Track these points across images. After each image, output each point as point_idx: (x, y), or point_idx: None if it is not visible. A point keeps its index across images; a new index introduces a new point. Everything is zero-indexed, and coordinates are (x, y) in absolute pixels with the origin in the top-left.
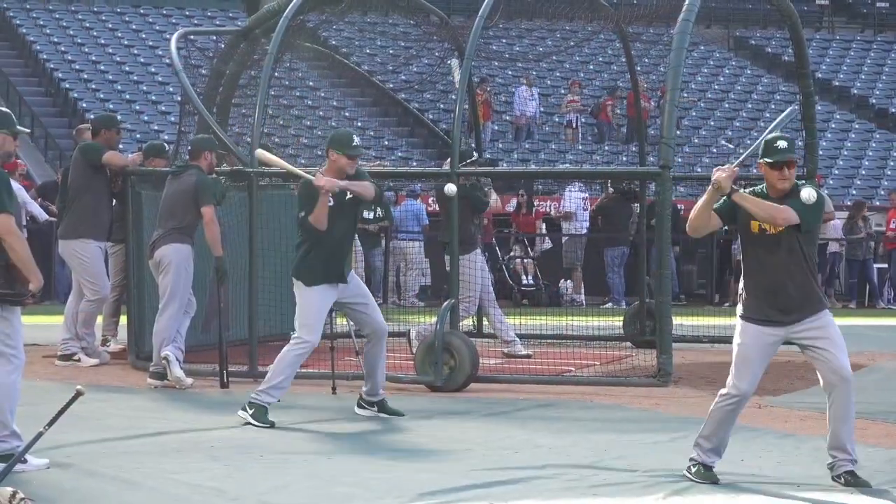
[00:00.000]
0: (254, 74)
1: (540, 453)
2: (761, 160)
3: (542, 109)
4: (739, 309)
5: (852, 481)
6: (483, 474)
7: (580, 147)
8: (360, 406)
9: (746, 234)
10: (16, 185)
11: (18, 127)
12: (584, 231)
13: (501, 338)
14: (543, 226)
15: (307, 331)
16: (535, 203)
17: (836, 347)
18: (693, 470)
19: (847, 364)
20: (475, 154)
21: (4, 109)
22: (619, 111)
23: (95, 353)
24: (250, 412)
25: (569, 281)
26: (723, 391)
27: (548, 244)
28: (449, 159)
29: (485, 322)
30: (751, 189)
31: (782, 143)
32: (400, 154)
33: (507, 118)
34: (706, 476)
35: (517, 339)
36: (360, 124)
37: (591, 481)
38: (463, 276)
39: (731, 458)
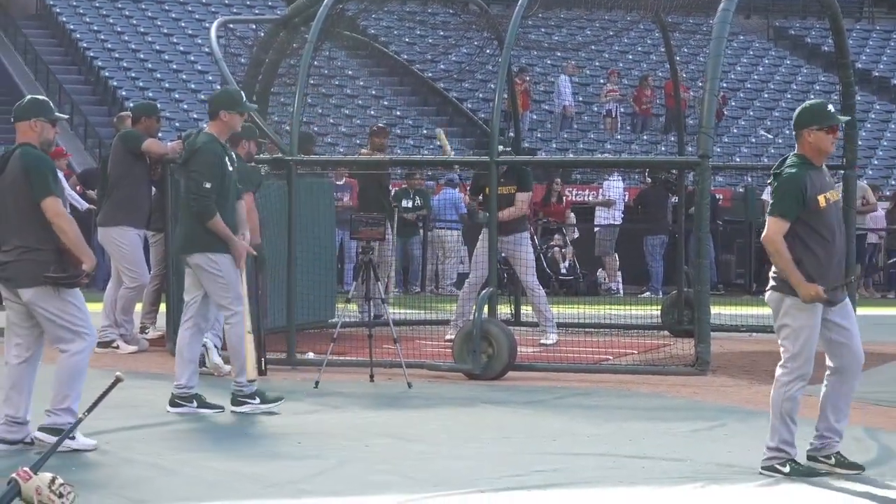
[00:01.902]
0: (293, 63)
1: (578, 441)
2: (810, 127)
3: (580, 98)
4: (789, 288)
5: (845, 462)
6: (521, 462)
7: (619, 137)
8: (173, 404)
9: (815, 210)
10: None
11: (57, 114)
12: (619, 221)
13: (541, 322)
14: (573, 215)
15: (238, 301)
16: (565, 192)
17: (857, 330)
18: (787, 470)
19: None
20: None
21: (42, 97)
22: (658, 101)
23: (134, 340)
24: (256, 401)
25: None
26: (792, 378)
27: (576, 233)
28: None
29: (523, 310)
30: (786, 160)
31: (831, 107)
32: (439, 143)
33: (546, 107)
34: (809, 470)
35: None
36: (398, 113)
37: (629, 469)
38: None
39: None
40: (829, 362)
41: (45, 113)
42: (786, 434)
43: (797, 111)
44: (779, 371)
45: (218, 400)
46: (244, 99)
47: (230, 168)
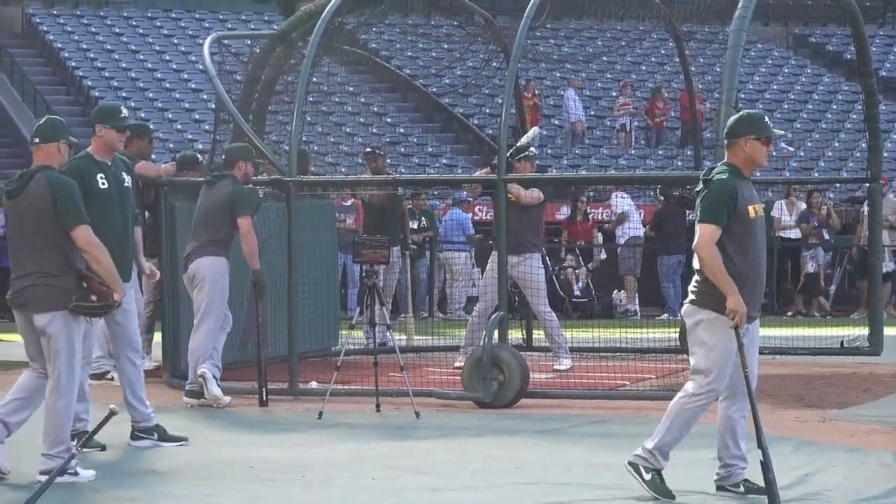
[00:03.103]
0: (291, 80)
1: (594, 471)
2: (747, 136)
3: (591, 113)
4: (710, 302)
5: (754, 488)
6: (535, 494)
7: (633, 152)
8: (134, 437)
9: (744, 221)
10: None
11: (71, 138)
12: (641, 234)
13: (554, 348)
14: (600, 235)
15: None
16: (590, 210)
17: (756, 351)
18: (648, 477)
19: None
20: (532, 149)
21: (58, 118)
22: (673, 114)
23: None
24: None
25: (622, 291)
26: (701, 392)
27: (603, 255)
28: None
29: (535, 334)
30: (713, 169)
31: (766, 117)
32: (445, 161)
33: (556, 122)
34: (664, 490)
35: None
36: (402, 130)
37: (647, 501)
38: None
39: (795, 474)
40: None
41: (67, 135)
42: (668, 441)
43: (733, 119)
44: (689, 385)
45: (224, 433)
46: (122, 114)
47: (103, 185)
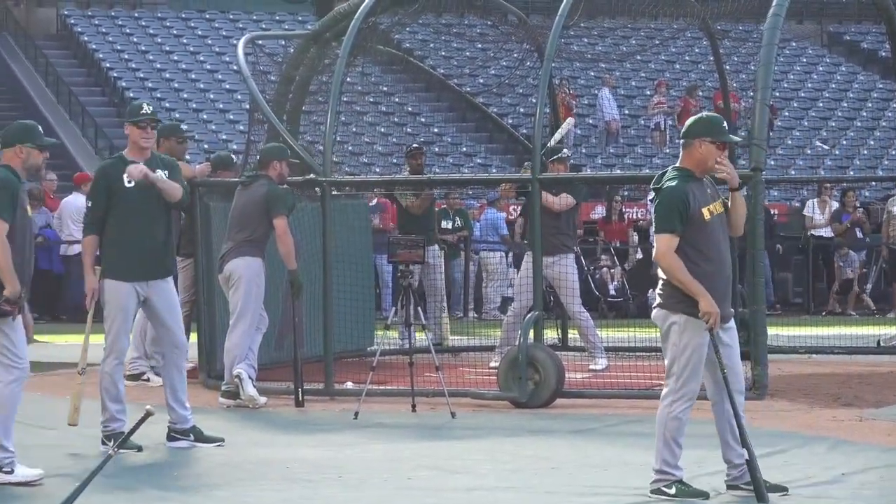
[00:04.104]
0: (325, 80)
1: (631, 471)
2: (703, 138)
3: (626, 112)
4: (679, 305)
5: (767, 485)
6: (570, 494)
7: (667, 150)
8: (170, 438)
9: (699, 224)
10: (78, 203)
11: (46, 139)
12: None
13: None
14: (636, 235)
15: None
16: (625, 210)
17: (738, 348)
18: (673, 491)
19: None
20: (565, 151)
21: (30, 122)
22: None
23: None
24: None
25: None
26: (677, 398)
27: (639, 254)
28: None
29: (570, 334)
30: (664, 174)
31: (725, 122)
32: (479, 161)
33: (591, 121)
34: (694, 492)
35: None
36: (436, 130)
37: (685, 500)
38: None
39: (832, 474)
40: (710, 388)
41: (31, 138)
42: (668, 456)
43: (692, 120)
44: (664, 391)
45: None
46: (141, 110)
47: (128, 184)
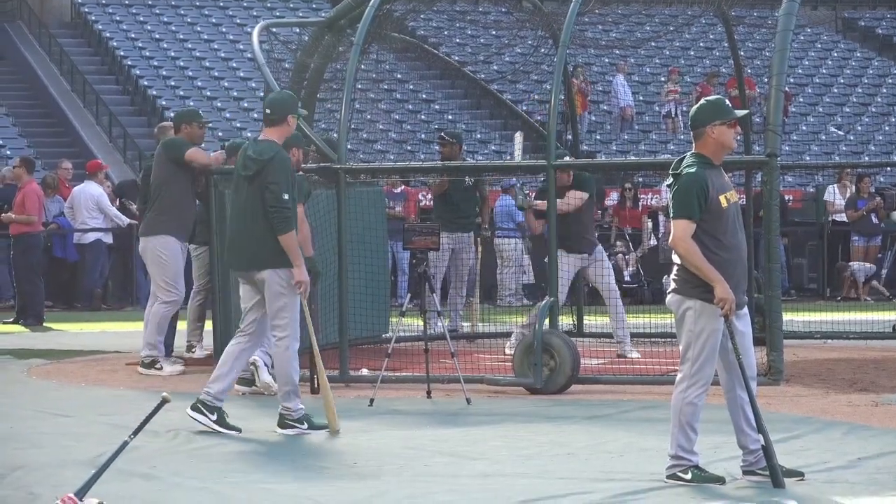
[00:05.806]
0: (339, 67)
1: (646, 457)
2: (713, 123)
3: (640, 98)
4: (694, 291)
5: (784, 470)
6: (586, 480)
7: (682, 137)
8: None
9: (717, 212)
10: (97, 191)
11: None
12: None
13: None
14: (650, 222)
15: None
16: (640, 196)
17: (751, 335)
18: (689, 476)
19: None
20: (567, 155)
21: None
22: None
23: (167, 362)
24: (304, 426)
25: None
26: (692, 384)
27: (653, 240)
28: None
29: (585, 320)
30: (683, 160)
31: (727, 101)
32: (494, 148)
33: (605, 108)
34: (710, 478)
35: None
36: (450, 117)
37: (700, 485)
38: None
39: (847, 459)
40: (722, 375)
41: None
42: (683, 441)
43: (696, 108)
44: (678, 376)
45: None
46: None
47: None
